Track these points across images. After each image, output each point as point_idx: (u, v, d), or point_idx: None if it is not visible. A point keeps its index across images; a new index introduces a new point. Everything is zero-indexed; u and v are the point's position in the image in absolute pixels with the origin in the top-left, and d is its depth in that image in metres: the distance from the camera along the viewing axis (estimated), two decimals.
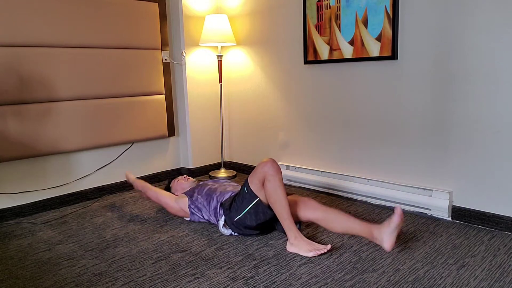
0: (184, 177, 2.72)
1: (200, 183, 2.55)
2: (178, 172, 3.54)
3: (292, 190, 3.06)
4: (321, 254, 1.97)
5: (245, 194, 2.13)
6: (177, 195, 2.54)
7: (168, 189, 2.70)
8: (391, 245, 1.87)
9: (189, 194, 2.44)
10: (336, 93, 2.87)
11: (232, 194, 2.27)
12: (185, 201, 2.41)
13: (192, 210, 2.39)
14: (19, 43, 2.50)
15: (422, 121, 2.46)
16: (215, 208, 2.28)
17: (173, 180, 2.74)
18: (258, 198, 2.10)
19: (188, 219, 2.46)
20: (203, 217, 2.39)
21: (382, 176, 2.71)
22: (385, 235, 1.88)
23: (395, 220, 1.85)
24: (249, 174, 2.21)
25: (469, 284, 1.68)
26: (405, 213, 2.52)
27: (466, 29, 2.21)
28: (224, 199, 2.27)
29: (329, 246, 1.94)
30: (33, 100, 2.59)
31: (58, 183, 2.83)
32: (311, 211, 2.12)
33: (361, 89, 2.73)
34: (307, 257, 1.94)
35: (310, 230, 2.28)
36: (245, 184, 2.16)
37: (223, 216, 2.21)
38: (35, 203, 2.71)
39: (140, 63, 3.08)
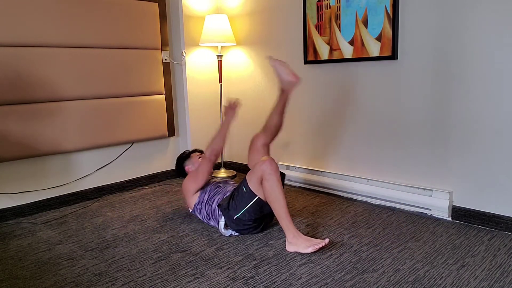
0: None
1: (214, 181, 2.50)
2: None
3: (292, 190, 3.06)
4: (321, 249, 1.98)
5: (244, 193, 2.13)
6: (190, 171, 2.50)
7: (187, 156, 2.59)
8: (288, 73, 2.25)
9: (201, 191, 2.41)
10: (336, 93, 2.87)
11: (229, 194, 2.26)
12: (195, 197, 2.40)
13: (196, 208, 2.39)
14: (19, 43, 2.50)
15: (422, 121, 2.46)
16: (214, 210, 2.28)
17: (196, 153, 2.61)
18: (258, 197, 2.10)
19: (190, 210, 2.45)
20: (203, 219, 2.39)
21: (382, 176, 2.71)
22: (282, 77, 2.28)
23: (272, 65, 2.28)
24: None
25: (469, 284, 1.68)
26: (405, 213, 2.52)
27: (466, 29, 2.21)
28: (222, 199, 2.27)
29: (327, 240, 1.95)
30: (33, 100, 2.59)
31: (58, 183, 2.83)
32: (262, 137, 2.38)
33: (361, 89, 2.73)
34: (307, 256, 1.94)
35: (310, 230, 2.28)
36: (244, 182, 2.16)
37: (223, 217, 2.21)
38: (35, 203, 2.71)
39: (140, 63, 3.08)
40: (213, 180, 2.53)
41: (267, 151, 2.43)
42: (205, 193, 2.37)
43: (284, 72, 2.28)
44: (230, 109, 2.38)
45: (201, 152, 2.69)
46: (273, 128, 2.40)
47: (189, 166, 2.55)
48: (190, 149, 3.45)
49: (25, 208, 2.67)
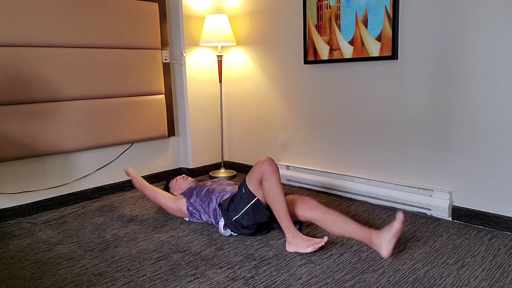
0: (183, 177, 2.72)
1: (199, 183, 2.54)
2: (178, 172, 3.54)
3: (292, 190, 3.06)
4: (321, 249, 1.97)
5: (243, 194, 2.13)
6: (175, 195, 2.54)
7: (166, 189, 2.69)
8: (389, 252, 1.86)
9: (187, 195, 2.44)
10: (336, 93, 2.87)
11: (231, 194, 2.26)
12: (183, 202, 2.41)
13: (191, 211, 2.39)
14: (19, 43, 2.50)
15: (422, 121, 2.46)
16: (215, 210, 2.28)
17: (172, 180, 2.73)
18: (256, 198, 2.10)
19: (187, 219, 2.46)
20: (202, 218, 2.39)
21: (382, 176, 2.71)
22: (384, 241, 1.86)
23: (396, 226, 1.82)
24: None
25: (469, 284, 1.68)
26: (405, 213, 2.52)
27: (466, 29, 2.21)
28: (223, 199, 2.27)
29: (325, 239, 1.93)
30: (33, 100, 2.59)
31: (58, 183, 2.83)
32: (310, 210, 2.10)
33: (361, 89, 2.73)
34: (307, 257, 1.94)
35: (310, 230, 2.28)
36: (243, 183, 2.16)
37: (223, 217, 2.21)
38: (35, 203, 2.71)
39: (140, 63, 3.08)
40: (198, 185, 2.53)
41: (297, 217, 2.16)
42: (193, 196, 2.40)
43: (388, 240, 1.86)
44: (134, 181, 2.63)
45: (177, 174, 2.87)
46: (329, 226, 2.05)
47: (174, 193, 2.63)
48: (190, 148, 3.47)
49: (25, 208, 2.67)
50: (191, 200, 2.39)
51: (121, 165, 3.15)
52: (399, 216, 1.83)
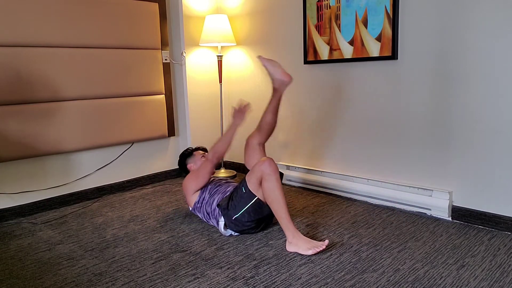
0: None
1: (215, 180, 2.49)
2: (178, 172, 3.54)
3: (292, 190, 3.06)
4: (321, 251, 1.97)
5: (243, 194, 2.13)
6: (189, 167, 2.54)
7: (190, 153, 2.57)
8: (281, 72, 2.27)
9: (202, 189, 2.41)
10: (336, 93, 2.88)
11: (228, 194, 2.26)
12: (196, 195, 2.39)
13: (196, 207, 2.39)
14: (19, 43, 2.50)
15: (422, 121, 2.46)
16: (214, 210, 2.28)
17: (199, 151, 2.60)
18: (257, 197, 2.10)
19: (190, 208, 2.45)
20: (203, 218, 2.39)
21: (382, 176, 2.71)
22: (275, 76, 2.30)
23: (263, 64, 2.32)
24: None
25: (469, 284, 1.68)
26: (405, 213, 2.52)
27: (466, 29, 2.21)
28: (221, 199, 2.27)
29: (326, 242, 1.95)
30: (33, 100, 2.59)
31: (58, 183, 2.83)
32: (257, 137, 2.42)
33: (361, 89, 2.73)
34: (307, 256, 1.94)
35: (310, 230, 2.28)
36: (243, 183, 2.16)
37: (222, 217, 2.21)
38: (35, 203, 2.71)
39: (140, 63, 3.08)
40: (213, 178, 2.51)
41: (263, 150, 2.45)
42: (206, 192, 2.37)
43: (276, 71, 2.29)
44: (240, 112, 2.33)
45: (204, 150, 2.69)
46: (267, 127, 2.40)
47: (191, 164, 2.55)
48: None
49: (25, 208, 2.67)
50: (202, 197, 2.36)
51: (121, 165, 3.16)
52: (259, 59, 2.34)
